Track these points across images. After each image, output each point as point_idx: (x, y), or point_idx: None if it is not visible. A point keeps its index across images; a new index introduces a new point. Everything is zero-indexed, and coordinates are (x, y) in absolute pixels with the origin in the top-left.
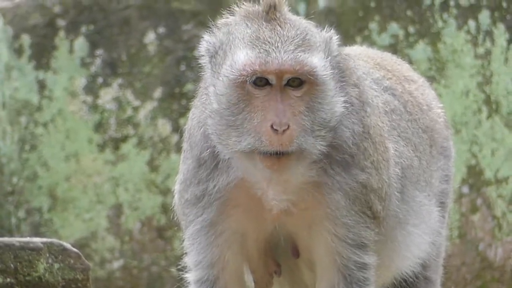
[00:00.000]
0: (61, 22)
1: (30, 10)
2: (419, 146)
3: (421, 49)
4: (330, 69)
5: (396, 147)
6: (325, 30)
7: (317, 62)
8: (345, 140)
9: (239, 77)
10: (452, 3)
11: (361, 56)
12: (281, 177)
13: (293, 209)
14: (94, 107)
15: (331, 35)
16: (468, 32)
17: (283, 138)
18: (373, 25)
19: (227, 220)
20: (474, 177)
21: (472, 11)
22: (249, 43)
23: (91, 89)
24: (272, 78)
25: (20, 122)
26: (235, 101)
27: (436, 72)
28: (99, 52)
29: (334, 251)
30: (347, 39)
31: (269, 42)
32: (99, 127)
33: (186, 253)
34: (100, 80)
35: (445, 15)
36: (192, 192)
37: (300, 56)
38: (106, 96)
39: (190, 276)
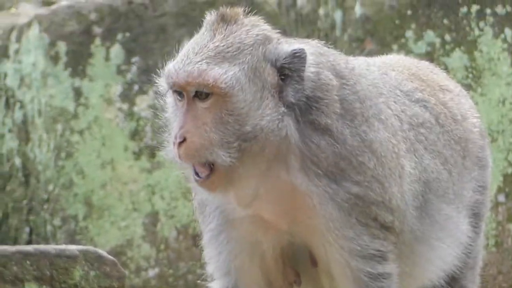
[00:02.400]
0: (97, 30)
1: (66, 17)
2: (450, 158)
3: (458, 57)
4: (248, 83)
5: (419, 162)
6: (288, 49)
7: (218, 74)
8: (325, 157)
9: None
10: (488, 11)
11: (396, 66)
12: (210, 191)
13: (280, 219)
14: (130, 115)
15: (288, 54)
16: (505, 40)
17: (179, 150)
18: (409, 33)
19: (231, 229)
20: (511, 185)
21: (509, 19)
22: (179, 54)
23: (127, 96)
24: (180, 90)
25: (56, 129)
26: (170, 111)
27: (472, 80)
28: (135, 59)
29: (344, 262)
30: (383, 47)
31: (185, 53)
32: (135, 134)
33: (205, 262)
34: (136, 87)
35: (481, 24)
36: (197, 200)
37: (198, 68)
38: (142, 104)
39: (214, 285)
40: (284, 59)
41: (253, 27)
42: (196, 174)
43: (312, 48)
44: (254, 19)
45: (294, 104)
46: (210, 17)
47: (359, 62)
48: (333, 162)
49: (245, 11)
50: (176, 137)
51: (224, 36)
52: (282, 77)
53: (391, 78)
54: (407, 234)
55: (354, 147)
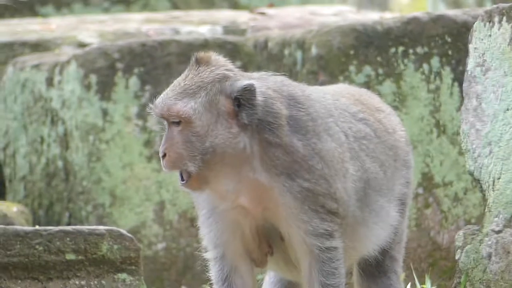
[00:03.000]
0: (119, 65)
1: (96, 56)
2: (385, 162)
3: (388, 86)
4: (205, 112)
5: (361, 165)
6: (240, 84)
7: (180, 107)
8: (280, 163)
9: None
10: (411, 51)
11: (344, 93)
12: (191, 191)
13: (254, 207)
14: (143, 129)
15: (240, 88)
16: (423, 73)
17: (163, 162)
18: (352, 68)
19: (217, 214)
20: (427, 181)
21: (426, 57)
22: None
23: (142, 115)
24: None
25: (88, 140)
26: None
27: (399, 103)
28: (147, 87)
29: (301, 239)
30: (332, 78)
31: (167, 90)
32: (148, 143)
33: (201, 238)
34: (148, 108)
35: (405, 60)
36: (193, 193)
37: (167, 103)
38: (152, 120)
39: (208, 255)
40: (237, 92)
41: (218, 67)
42: (181, 179)
43: (267, 83)
44: (221, 60)
45: (247, 124)
46: (192, 59)
47: (317, 91)
48: (287, 166)
49: (218, 53)
50: (159, 152)
51: (193, 75)
52: (238, 105)
53: (341, 103)
54: (350, 219)
55: (305, 154)
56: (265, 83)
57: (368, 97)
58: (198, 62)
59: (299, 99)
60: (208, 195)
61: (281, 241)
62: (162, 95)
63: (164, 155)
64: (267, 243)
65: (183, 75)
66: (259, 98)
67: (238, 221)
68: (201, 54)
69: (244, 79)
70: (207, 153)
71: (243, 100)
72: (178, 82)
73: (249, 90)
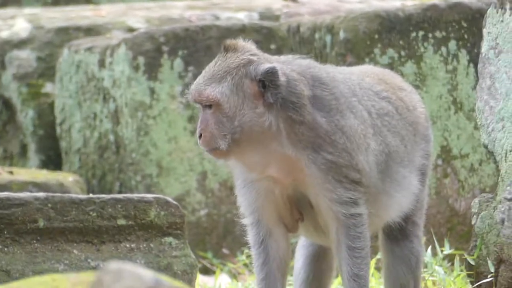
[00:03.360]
0: (165, 48)
1: (144, 39)
2: (406, 136)
3: (409, 67)
4: (232, 94)
5: (383, 140)
6: (264, 67)
7: (209, 92)
8: (305, 138)
9: None
10: (430, 35)
11: (369, 73)
12: (221, 162)
13: (283, 177)
14: (187, 106)
15: (263, 71)
16: (441, 55)
17: (200, 142)
18: (376, 50)
19: (251, 183)
20: (445, 153)
21: (443, 41)
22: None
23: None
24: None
25: (137, 116)
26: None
27: (419, 82)
28: (190, 68)
29: (327, 207)
30: (359, 60)
31: (199, 77)
32: (191, 119)
33: (238, 205)
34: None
35: (425, 43)
36: (230, 165)
37: (198, 89)
38: None
39: (245, 220)
40: (261, 74)
41: (243, 53)
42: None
43: (291, 66)
44: (247, 46)
45: (272, 104)
46: (222, 46)
47: (343, 72)
48: (312, 140)
49: (255, 37)
50: (196, 133)
51: (221, 62)
52: (263, 87)
53: (366, 82)
54: (372, 189)
55: (328, 130)
56: (289, 66)
57: (391, 77)
58: (226, 49)
59: (323, 80)
60: (241, 166)
61: (310, 209)
62: (194, 82)
63: (200, 135)
64: (298, 210)
65: (212, 62)
66: (282, 79)
67: (270, 189)
68: (229, 41)
69: (267, 62)
70: (236, 132)
71: (267, 81)
72: (208, 69)
73: (271, 73)
